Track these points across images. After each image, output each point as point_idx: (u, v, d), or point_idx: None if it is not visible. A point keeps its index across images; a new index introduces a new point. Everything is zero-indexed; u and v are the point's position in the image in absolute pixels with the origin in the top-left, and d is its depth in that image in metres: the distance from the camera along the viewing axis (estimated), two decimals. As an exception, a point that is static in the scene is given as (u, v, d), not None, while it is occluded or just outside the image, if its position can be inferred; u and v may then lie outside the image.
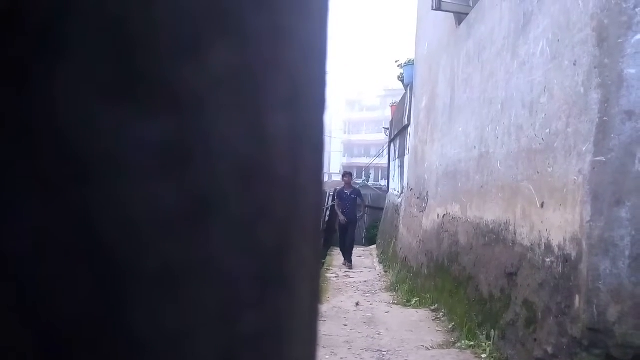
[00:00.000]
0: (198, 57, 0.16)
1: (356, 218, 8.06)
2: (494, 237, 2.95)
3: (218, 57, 0.17)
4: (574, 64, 2.03)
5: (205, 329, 0.17)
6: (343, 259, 7.75)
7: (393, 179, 9.45)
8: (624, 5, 1.81)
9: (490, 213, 3.06)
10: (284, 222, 0.21)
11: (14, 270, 0.14)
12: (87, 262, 0.15)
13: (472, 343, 2.89)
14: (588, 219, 1.85)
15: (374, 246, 9.40)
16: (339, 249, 8.06)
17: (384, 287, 5.79)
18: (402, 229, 6.91)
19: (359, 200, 8.06)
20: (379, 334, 3.49)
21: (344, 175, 8.15)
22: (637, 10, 1.79)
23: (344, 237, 7.89)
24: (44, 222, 0.14)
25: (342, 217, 7.86)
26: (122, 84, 0.15)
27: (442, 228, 4.36)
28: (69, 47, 0.14)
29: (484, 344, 2.76)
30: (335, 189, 8.35)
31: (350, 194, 7.90)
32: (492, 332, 2.69)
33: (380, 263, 7.71)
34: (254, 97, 0.18)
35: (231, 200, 0.18)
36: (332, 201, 9.29)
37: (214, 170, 0.17)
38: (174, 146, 0.16)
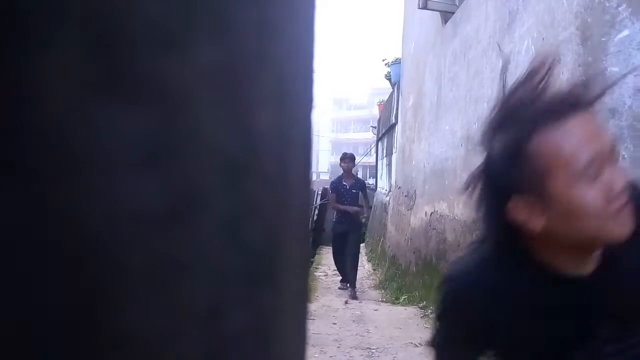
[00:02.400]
0: (183, 52, 0.16)
1: (360, 221, 5.63)
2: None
3: (203, 53, 0.17)
4: (558, 62, 2.05)
5: (191, 327, 0.17)
6: (340, 280, 5.53)
7: (381, 178, 9.49)
8: (607, 4, 1.83)
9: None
10: (271, 220, 0.21)
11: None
12: (71, 258, 0.15)
13: (460, 340, 2.91)
14: (573, 215, 1.87)
15: (362, 244, 9.43)
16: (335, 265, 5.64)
17: (372, 285, 5.82)
18: (390, 227, 6.94)
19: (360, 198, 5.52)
20: (368, 332, 3.51)
21: (342, 159, 5.47)
22: (619, 9, 1.82)
23: (342, 248, 5.37)
24: (27, 217, 0.14)
25: (341, 207, 5.27)
26: (106, 79, 0.15)
27: (430, 226, 4.39)
28: (51, 41, 0.14)
29: (472, 341, 2.79)
30: (331, 183, 5.79)
31: (351, 187, 5.41)
32: (480, 329, 2.71)
33: (369, 261, 7.74)
34: (239, 93, 0.18)
35: (217, 197, 0.17)
36: (320, 200, 8.96)
37: (199, 166, 0.17)
38: (158, 142, 0.16)
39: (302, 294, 0.26)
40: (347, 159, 5.48)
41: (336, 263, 5.65)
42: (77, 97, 0.14)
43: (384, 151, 9.06)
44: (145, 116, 0.15)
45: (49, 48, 0.14)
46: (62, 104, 0.14)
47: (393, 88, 8.04)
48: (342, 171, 5.48)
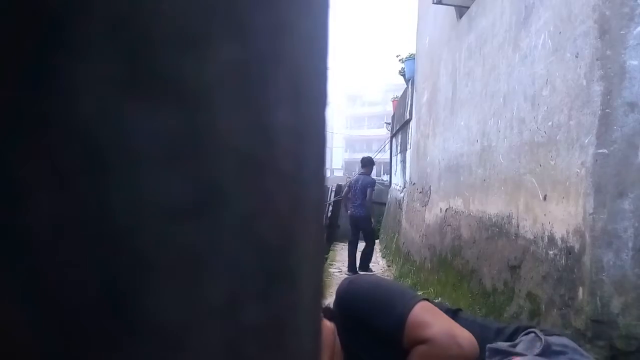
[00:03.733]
0: (202, 52, 0.17)
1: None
2: (497, 230, 2.95)
3: (222, 53, 0.17)
4: (576, 56, 2.02)
5: (211, 319, 0.17)
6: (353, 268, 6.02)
7: (395, 174, 9.44)
8: (626, -3, 1.80)
9: (493, 206, 3.06)
10: (286, 217, 0.21)
11: (30, 257, 0.15)
12: (96, 249, 0.15)
13: (475, 336, 2.89)
14: (591, 211, 1.85)
15: (377, 241, 9.41)
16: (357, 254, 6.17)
17: (387, 282, 5.77)
18: (404, 224, 6.91)
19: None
20: (382, 329, 3.49)
21: (371, 164, 6.45)
22: (638, 1, 1.78)
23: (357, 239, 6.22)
24: (60, 210, 0.15)
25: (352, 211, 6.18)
26: (131, 78, 0.15)
27: (445, 222, 4.36)
28: (82, 43, 0.15)
29: (487, 337, 2.77)
30: (374, 181, 6.62)
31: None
32: (496, 326, 2.69)
33: (383, 257, 7.72)
34: (256, 92, 0.19)
35: (234, 193, 0.18)
36: (334, 196, 9.01)
37: (217, 163, 0.17)
38: (179, 139, 0.16)
39: (318, 290, 0.26)
40: (372, 165, 6.43)
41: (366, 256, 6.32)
42: (105, 95, 0.15)
43: (398, 147, 9.01)
44: (167, 114, 0.16)
45: (79, 48, 0.15)
46: (91, 101, 0.15)
47: (407, 84, 7.99)
48: (357, 169, 5.96)
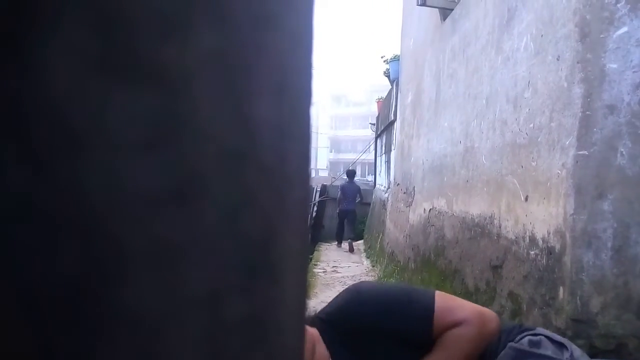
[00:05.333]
0: (182, 38, 0.16)
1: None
2: (479, 230, 2.98)
3: (202, 40, 0.17)
4: (557, 59, 2.05)
5: (192, 310, 0.17)
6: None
7: (380, 174, 9.48)
8: (606, 1, 1.83)
9: (476, 207, 3.09)
10: (269, 212, 0.21)
11: (3, 244, 0.14)
12: (71, 233, 0.15)
13: (458, 336, 2.91)
14: (571, 212, 1.87)
15: (361, 241, 9.43)
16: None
17: (371, 282, 5.80)
18: (388, 224, 6.94)
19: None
20: (366, 328, 3.49)
21: (352, 176, 9.36)
22: (618, 5, 1.82)
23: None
24: (34, 195, 0.14)
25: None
26: (108, 60, 0.15)
27: (429, 222, 4.39)
28: (57, 20, 0.14)
29: (470, 337, 2.79)
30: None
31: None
32: (478, 325, 2.71)
33: (368, 258, 7.74)
34: (238, 82, 0.18)
35: (215, 184, 0.18)
36: (319, 197, 9.33)
37: (197, 152, 0.17)
38: (158, 125, 0.16)
39: (301, 287, 0.26)
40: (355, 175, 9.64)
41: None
42: (80, 76, 0.15)
43: (383, 148, 9.04)
44: (145, 99, 0.15)
45: (54, 27, 0.14)
46: (65, 82, 0.14)
47: (392, 85, 8.02)
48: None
